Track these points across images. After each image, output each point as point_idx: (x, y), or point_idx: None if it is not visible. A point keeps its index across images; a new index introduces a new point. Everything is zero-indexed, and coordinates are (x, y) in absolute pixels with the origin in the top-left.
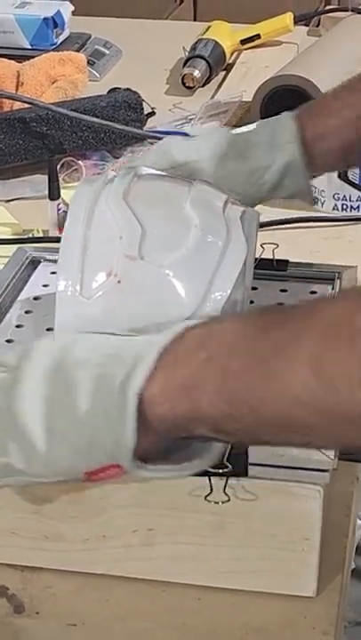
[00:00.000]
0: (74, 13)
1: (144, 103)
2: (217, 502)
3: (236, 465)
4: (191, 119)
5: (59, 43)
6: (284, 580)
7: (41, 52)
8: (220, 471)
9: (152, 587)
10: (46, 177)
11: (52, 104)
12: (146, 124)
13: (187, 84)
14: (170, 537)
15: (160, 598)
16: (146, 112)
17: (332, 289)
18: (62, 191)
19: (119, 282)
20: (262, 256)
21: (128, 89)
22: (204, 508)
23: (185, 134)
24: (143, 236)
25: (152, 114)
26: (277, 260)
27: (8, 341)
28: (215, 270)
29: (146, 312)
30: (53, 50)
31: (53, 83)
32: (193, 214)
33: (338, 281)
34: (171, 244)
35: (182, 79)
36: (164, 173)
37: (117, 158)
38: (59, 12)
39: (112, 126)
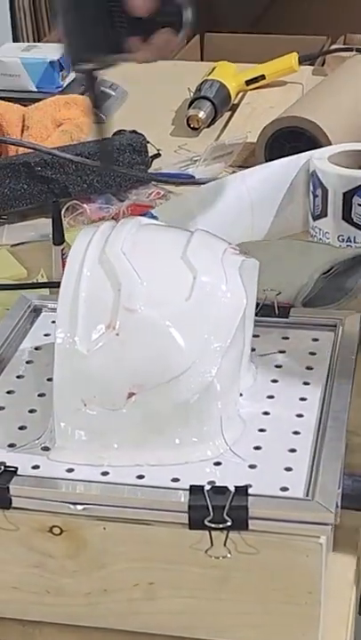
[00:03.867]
0: None
1: (149, 145)
2: (218, 557)
3: (236, 519)
4: (196, 160)
5: (64, 85)
6: (287, 635)
7: (47, 94)
8: (221, 526)
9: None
10: (51, 220)
11: (57, 148)
12: (151, 165)
13: (192, 126)
14: (171, 591)
15: None
16: (151, 154)
17: (335, 336)
18: (67, 235)
19: (118, 334)
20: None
21: (133, 131)
22: (204, 562)
23: (190, 176)
24: (142, 287)
25: (157, 155)
26: (279, 307)
27: (9, 392)
28: (214, 321)
29: (145, 364)
30: (59, 92)
31: (59, 126)
32: (192, 265)
33: (340, 328)
34: (170, 296)
35: (187, 120)
36: (163, 224)
37: (122, 201)
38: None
39: (116, 170)
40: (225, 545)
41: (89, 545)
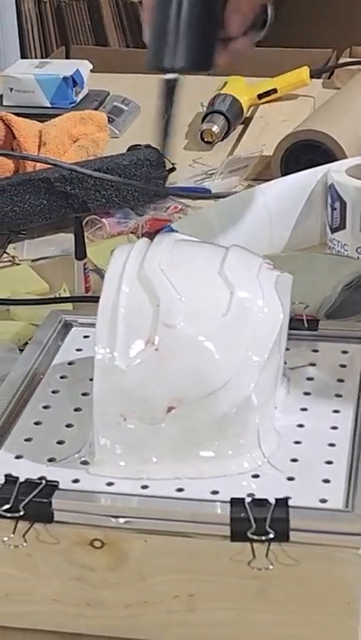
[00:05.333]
0: (93, 71)
1: (164, 159)
2: (260, 569)
3: (277, 531)
4: (212, 174)
5: (78, 101)
6: None
7: (61, 110)
8: (263, 538)
9: None
10: (70, 235)
11: (75, 164)
12: (167, 180)
13: (206, 139)
14: (211, 602)
15: None
16: (167, 168)
17: None
18: (87, 250)
19: (157, 349)
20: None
21: (149, 145)
22: (245, 574)
23: (206, 190)
24: (180, 303)
25: (173, 169)
26: (308, 320)
27: (45, 407)
28: (252, 336)
29: (184, 379)
30: (73, 108)
31: (75, 142)
32: (229, 280)
33: None
34: (208, 311)
35: (201, 134)
36: (197, 240)
37: (141, 216)
38: (78, 70)
39: (134, 184)
40: (267, 557)
41: (130, 558)
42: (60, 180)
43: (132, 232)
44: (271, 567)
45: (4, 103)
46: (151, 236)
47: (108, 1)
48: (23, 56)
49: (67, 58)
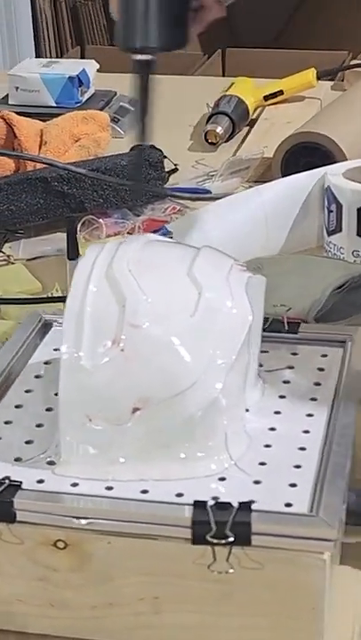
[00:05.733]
0: (100, 70)
1: (166, 160)
2: (220, 572)
3: (239, 535)
4: (213, 175)
5: (84, 100)
6: None
7: (66, 110)
8: (223, 541)
9: None
10: (65, 235)
11: (74, 163)
12: (168, 180)
13: (210, 141)
14: (177, 605)
15: None
16: (169, 169)
17: (343, 352)
18: (82, 249)
19: (122, 350)
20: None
21: (152, 146)
22: (208, 577)
23: (207, 191)
24: (146, 304)
25: (175, 170)
26: (289, 322)
27: (17, 407)
28: (220, 337)
29: (150, 380)
30: (79, 108)
31: (76, 141)
32: (197, 281)
33: (349, 343)
34: (174, 312)
35: (205, 135)
36: (170, 240)
37: (138, 216)
38: (84, 70)
39: (129, 185)
40: (227, 560)
41: (94, 559)
42: (58, 179)
43: (128, 233)
44: (232, 571)
45: (10, 102)
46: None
47: None
48: (38, 55)
49: (82, 58)
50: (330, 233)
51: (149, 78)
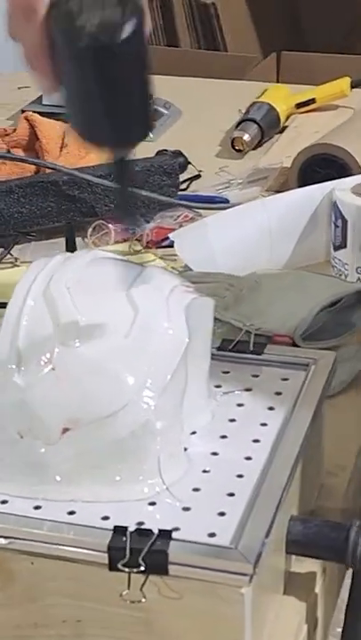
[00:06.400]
0: (161, 72)
1: (191, 166)
2: (133, 601)
3: (154, 563)
4: (233, 184)
5: None
6: None
7: None
8: (135, 570)
9: None
10: (78, 239)
11: (87, 167)
12: (189, 187)
13: (236, 147)
14: (99, 630)
15: None
16: (192, 175)
17: (305, 376)
18: None
19: (54, 369)
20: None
21: (178, 151)
22: (129, 604)
23: (224, 200)
24: (79, 324)
25: (197, 177)
26: (255, 344)
27: None
28: (153, 358)
29: (80, 400)
30: None
31: None
32: (134, 301)
33: (313, 367)
34: (108, 332)
35: (232, 142)
36: (117, 257)
37: (148, 223)
38: None
39: (138, 193)
40: (141, 589)
41: (17, 578)
42: (70, 183)
43: (137, 239)
44: (144, 600)
45: (44, 102)
46: (156, 244)
47: (181, 2)
48: None
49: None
50: (336, 248)
51: (128, 167)
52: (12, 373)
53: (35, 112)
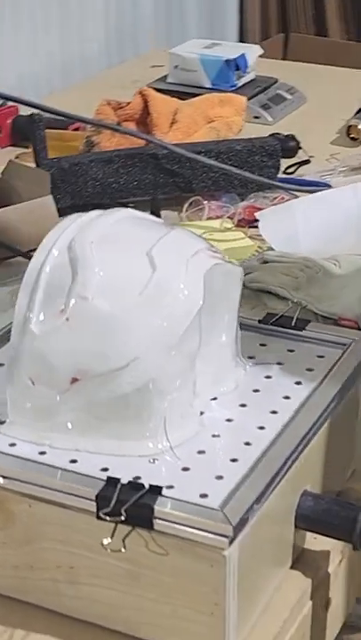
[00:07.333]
0: (303, 60)
1: (302, 151)
2: (114, 550)
3: (139, 516)
4: (338, 170)
5: (240, 85)
6: None
7: (221, 92)
8: (116, 519)
9: (72, 627)
10: (168, 212)
11: (184, 144)
12: (296, 171)
13: (351, 136)
14: (91, 578)
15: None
16: (302, 159)
17: (341, 355)
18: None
19: (68, 319)
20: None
21: (291, 135)
22: (117, 555)
23: (326, 185)
24: (97, 277)
25: (307, 162)
26: (298, 319)
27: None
28: (165, 317)
29: (90, 353)
30: (233, 91)
31: (209, 123)
32: (154, 260)
33: (350, 347)
34: (123, 288)
35: (348, 130)
36: (147, 216)
37: (243, 201)
38: (243, 55)
39: (232, 171)
40: (124, 540)
41: (16, 519)
42: (168, 157)
43: (229, 217)
44: (123, 550)
45: (168, 80)
46: (248, 223)
47: None
48: (242, 40)
49: (284, 45)
50: None
51: None
52: (30, 320)
53: (157, 89)
